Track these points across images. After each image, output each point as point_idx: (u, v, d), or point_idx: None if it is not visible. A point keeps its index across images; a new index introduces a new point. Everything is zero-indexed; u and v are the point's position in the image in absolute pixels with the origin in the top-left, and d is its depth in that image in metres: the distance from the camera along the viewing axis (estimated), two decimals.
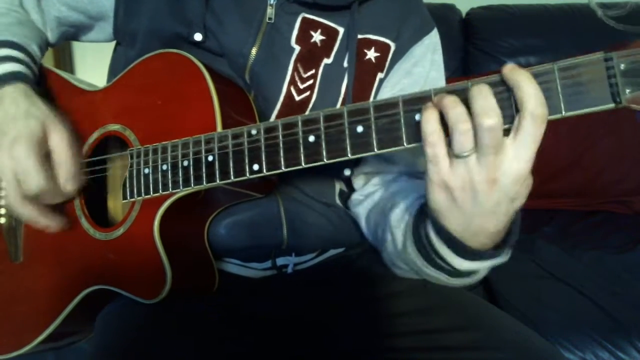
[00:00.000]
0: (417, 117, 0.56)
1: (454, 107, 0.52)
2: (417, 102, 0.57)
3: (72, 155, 0.75)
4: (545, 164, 1.81)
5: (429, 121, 0.53)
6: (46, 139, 0.73)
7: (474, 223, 0.58)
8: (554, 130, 1.94)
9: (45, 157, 0.73)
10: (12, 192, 0.72)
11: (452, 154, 0.54)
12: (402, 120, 0.57)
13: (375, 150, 0.58)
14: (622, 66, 0.49)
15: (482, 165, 0.53)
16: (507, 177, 0.53)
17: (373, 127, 0.58)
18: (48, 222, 0.78)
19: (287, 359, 0.81)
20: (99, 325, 0.83)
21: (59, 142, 0.74)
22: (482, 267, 0.64)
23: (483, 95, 0.51)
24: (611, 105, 0.50)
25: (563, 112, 0.51)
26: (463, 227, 0.60)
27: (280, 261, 0.88)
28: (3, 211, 0.89)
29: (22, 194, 0.72)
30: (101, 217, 0.83)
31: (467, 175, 0.54)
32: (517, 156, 0.52)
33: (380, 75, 0.84)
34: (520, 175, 0.53)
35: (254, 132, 0.65)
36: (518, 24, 1.95)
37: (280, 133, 0.63)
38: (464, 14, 2.04)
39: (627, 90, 0.49)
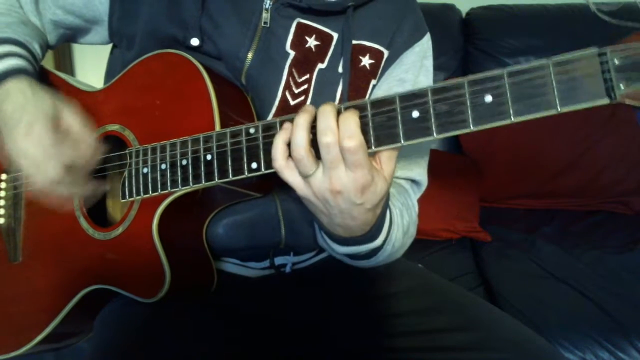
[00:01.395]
0: (414, 114, 0.57)
1: (294, 136, 0.59)
2: (413, 98, 0.57)
3: (88, 130, 0.74)
4: (545, 164, 1.81)
5: (277, 150, 0.61)
6: (59, 119, 0.72)
7: (336, 221, 0.65)
8: (553, 131, 1.95)
9: (62, 138, 0.72)
10: (52, 167, 0.70)
11: (301, 175, 0.61)
12: (399, 117, 0.57)
13: (373, 147, 0.58)
14: (616, 61, 0.49)
15: (325, 177, 0.59)
16: (347, 188, 0.59)
17: (370, 124, 0.58)
18: (100, 186, 0.77)
19: (286, 359, 0.81)
20: (98, 324, 0.83)
21: (72, 121, 0.73)
22: (357, 250, 0.72)
23: (325, 116, 0.57)
24: (606, 101, 0.50)
25: (558, 108, 0.51)
26: (328, 224, 0.68)
27: (278, 260, 0.88)
28: (2, 211, 0.89)
29: (62, 165, 0.70)
30: (100, 217, 0.83)
31: (317, 189, 0.61)
32: (349, 169, 0.58)
33: (373, 82, 0.84)
34: (359, 185, 0.58)
35: (252, 130, 0.65)
36: (518, 24, 1.95)
37: (278, 131, 0.63)
38: (464, 14, 2.03)
39: (622, 85, 0.49)
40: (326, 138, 0.57)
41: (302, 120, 0.59)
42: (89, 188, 0.76)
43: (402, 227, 0.77)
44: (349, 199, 0.60)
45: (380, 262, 0.78)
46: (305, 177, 0.60)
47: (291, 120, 0.62)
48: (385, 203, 0.68)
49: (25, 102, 0.72)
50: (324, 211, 0.64)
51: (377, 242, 0.71)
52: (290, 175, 0.61)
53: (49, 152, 0.70)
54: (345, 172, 0.58)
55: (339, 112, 0.59)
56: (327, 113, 0.57)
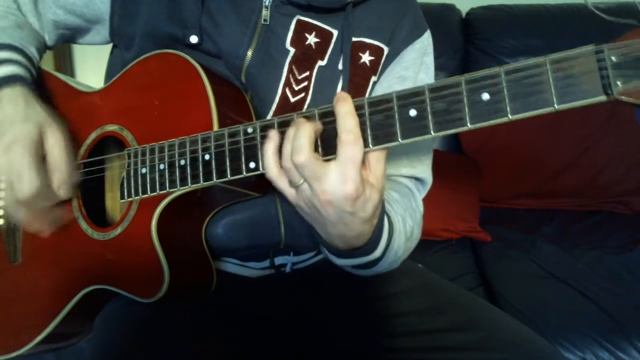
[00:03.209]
0: (411, 112, 0.57)
1: (270, 155, 0.61)
2: (410, 97, 0.57)
3: (66, 159, 0.75)
4: (545, 164, 1.81)
5: (268, 160, 0.61)
6: (43, 141, 0.73)
7: (330, 231, 0.65)
8: (553, 131, 1.95)
9: (42, 160, 0.73)
10: (8, 195, 0.73)
11: (291, 184, 0.61)
12: (397, 116, 0.57)
13: (371, 146, 0.58)
14: (614, 58, 0.49)
15: (313, 190, 0.59)
16: (337, 197, 0.58)
17: (368, 123, 0.58)
18: (40, 227, 0.79)
19: (286, 358, 0.81)
20: (98, 325, 0.83)
21: (54, 146, 0.74)
22: (356, 262, 0.71)
23: (292, 137, 0.58)
24: (603, 98, 0.50)
25: (555, 106, 0.51)
26: (324, 233, 0.67)
27: (278, 260, 0.88)
28: (2, 212, 0.89)
29: (15, 196, 0.72)
30: (99, 217, 0.83)
31: (308, 198, 0.61)
32: (340, 178, 0.57)
33: (373, 79, 0.84)
34: (348, 194, 0.58)
35: (250, 130, 0.65)
36: (518, 24, 1.94)
37: (276, 131, 0.63)
38: (464, 14, 2.03)
39: (619, 83, 0.49)
40: (299, 157, 0.57)
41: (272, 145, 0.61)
42: (48, 217, 0.78)
43: (404, 234, 0.77)
44: (339, 208, 0.59)
45: (383, 270, 0.77)
46: (294, 186, 0.61)
47: (288, 122, 0.62)
48: (381, 212, 0.67)
49: (14, 114, 0.72)
50: (319, 220, 0.64)
51: (376, 253, 0.70)
52: (283, 184, 0.62)
53: (21, 174, 0.71)
54: (328, 183, 0.58)
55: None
56: (293, 135, 0.59)
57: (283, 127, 0.62)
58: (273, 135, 0.61)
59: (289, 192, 0.62)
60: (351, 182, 0.57)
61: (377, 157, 0.60)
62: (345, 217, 0.61)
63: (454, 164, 1.83)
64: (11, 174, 0.71)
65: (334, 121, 0.59)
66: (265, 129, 0.64)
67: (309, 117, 0.61)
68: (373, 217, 0.63)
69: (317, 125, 0.60)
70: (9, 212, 0.75)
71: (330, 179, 0.58)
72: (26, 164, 0.70)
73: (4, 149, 0.71)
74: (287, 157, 0.59)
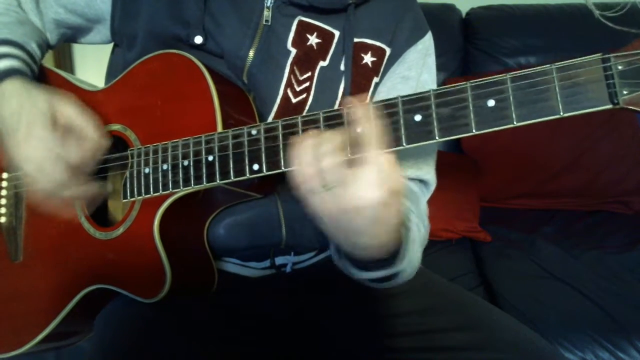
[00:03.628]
0: (416, 117, 0.57)
1: (305, 155, 0.57)
2: (416, 102, 0.57)
3: (87, 120, 0.74)
4: (545, 164, 1.81)
5: (300, 162, 0.57)
6: (57, 117, 0.72)
7: (355, 240, 0.61)
8: (554, 131, 1.95)
9: (64, 136, 0.72)
10: (57, 170, 0.70)
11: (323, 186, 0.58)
12: (402, 121, 0.57)
13: None
14: (620, 67, 0.49)
15: (337, 197, 0.56)
16: (365, 203, 0.55)
17: None
18: (102, 188, 0.76)
19: (286, 358, 0.81)
20: (99, 324, 0.83)
21: (70, 114, 0.73)
22: (373, 276, 0.68)
23: (323, 142, 0.56)
24: (609, 106, 0.51)
25: (561, 113, 0.52)
26: (347, 244, 0.63)
27: (279, 260, 0.88)
28: (3, 210, 0.89)
29: (67, 165, 0.70)
30: (101, 217, 0.83)
31: (332, 205, 0.57)
32: (366, 184, 0.55)
33: (375, 80, 0.84)
34: (376, 199, 0.55)
35: (254, 132, 0.65)
36: (518, 24, 1.94)
37: (280, 133, 0.63)
38: (464, 14, 2.03)
39: (625, 92, 0.49)
40: (326, 161, 0.55)
41: (307, 142, 0.57)
42: (92, 190, 0.75)
43: (419, 242, 0.75)
44: (366, 215, 0.57)
45: (400, 283, 0.74)
46: (325, 189, 0.57)
47: (293, 124, 0.62)
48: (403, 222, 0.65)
49: (19, 104, 0.72)
50: (344, 228, 0.60)
51: (398, 266, 0.68)
52: (310, 187, 0.58)
53: (53, 154, 0.69)
54: (357, 188, 0.55)
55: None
56: (321, 139, 0.57)
57: (287, 129, 0.62)
58: (304, 137, 0.58)
59: (316, 200, 0.58)
60: (381, 187, 0.55)
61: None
62: (372, 226, 0.58)
63: (454, 163, 1.82)
64: (41, 160, 0.70)
65: (337, 125, 0.59)
66: (269, 131, 0.64)
67: (314, 121, 0.61)
68: (398, 224, 0.61)
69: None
70: (51, 197, 0.72)
71: (357, 184, 0.55)
72: (53, 143, 0.70)
73: (24, 138, 0.70)
74: (316, 161, 0.56)
